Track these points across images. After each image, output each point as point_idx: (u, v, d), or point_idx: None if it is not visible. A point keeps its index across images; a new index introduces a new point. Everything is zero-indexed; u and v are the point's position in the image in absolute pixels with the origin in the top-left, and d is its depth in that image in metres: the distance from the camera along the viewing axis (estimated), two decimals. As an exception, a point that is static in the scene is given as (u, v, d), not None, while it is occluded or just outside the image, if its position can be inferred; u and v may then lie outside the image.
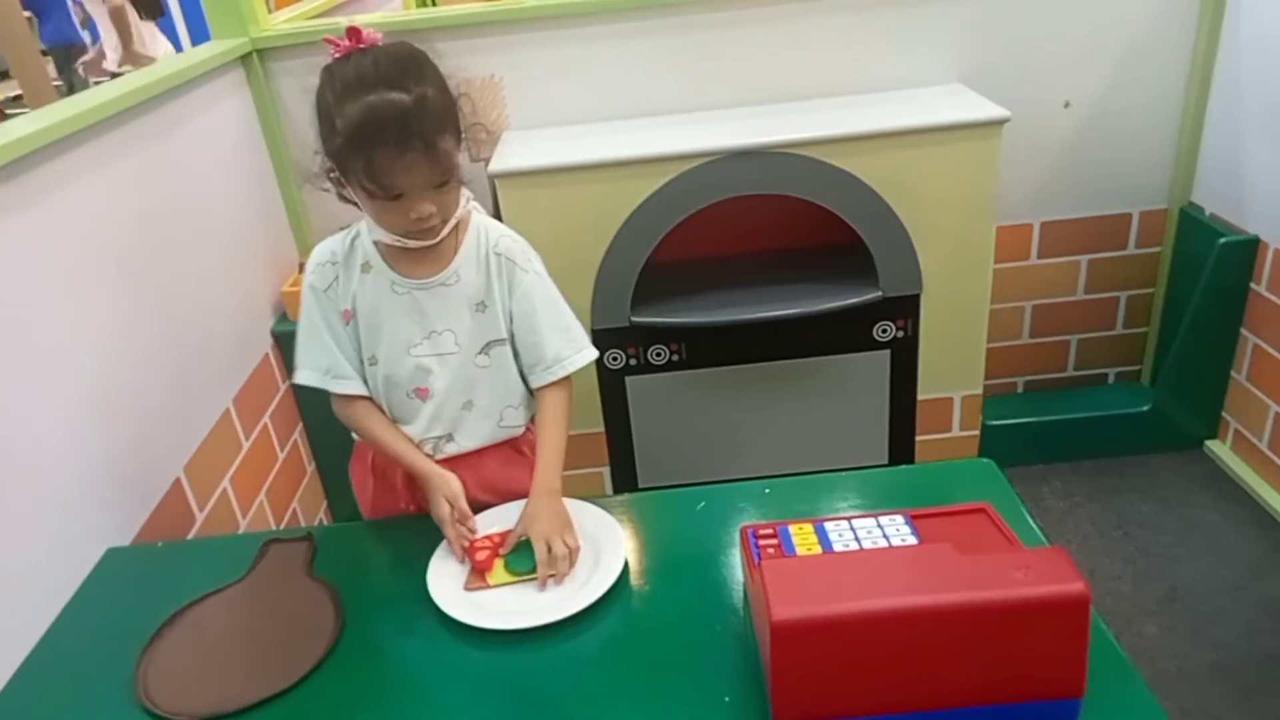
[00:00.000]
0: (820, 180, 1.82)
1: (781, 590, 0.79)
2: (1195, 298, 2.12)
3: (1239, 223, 2.07)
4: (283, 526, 1.87)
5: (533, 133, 2.06)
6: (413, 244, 1.11)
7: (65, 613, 1.11)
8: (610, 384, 2.01)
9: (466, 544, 1.10)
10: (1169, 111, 2.13)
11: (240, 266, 1.87)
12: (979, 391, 2.07)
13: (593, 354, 1.23)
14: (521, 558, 1.09)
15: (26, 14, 4.52)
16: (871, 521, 0.96)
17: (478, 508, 1.17)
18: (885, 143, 1.81)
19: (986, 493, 1.08)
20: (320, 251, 1.18)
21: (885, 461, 2.11)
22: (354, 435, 1.29)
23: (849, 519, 0.97)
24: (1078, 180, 2.18)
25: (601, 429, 2.06)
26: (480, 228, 1.19)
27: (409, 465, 1.19)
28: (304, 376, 1.19)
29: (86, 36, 4.88)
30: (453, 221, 1.12)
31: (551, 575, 1.06)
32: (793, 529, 0.95)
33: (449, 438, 1.22)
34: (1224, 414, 2.24)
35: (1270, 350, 2.05)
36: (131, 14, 4.34)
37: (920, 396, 2.06)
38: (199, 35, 4.62)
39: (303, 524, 1.97)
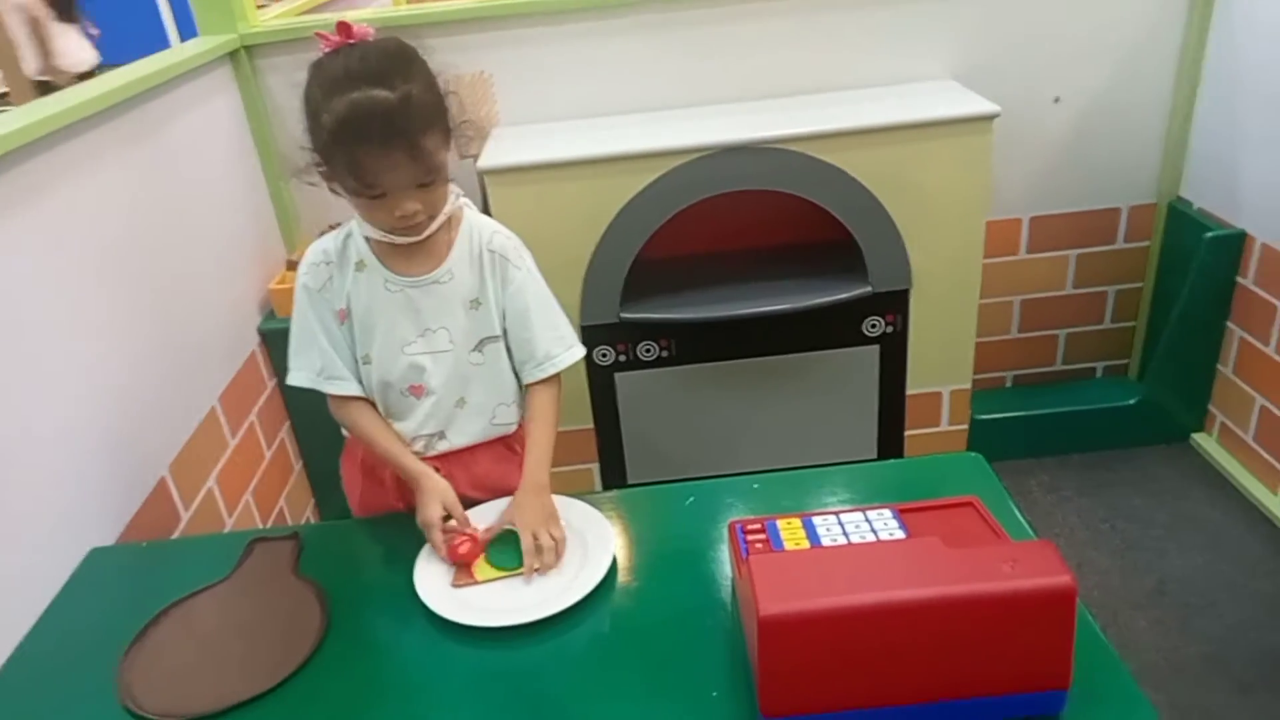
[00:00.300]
0: (810, 176, 1.82)
1: (769, 585, 0.79)
2: (1183, 292, 2.13)
3: (1226, 217, 2.08)
4: (269, 525, 1.86)
5: (522, 129, 2.05)
6: (400, 239, 1.11)
7: (48, 613, 1.10)
8: (599, 380, 2.01)
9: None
10: (1158, 107, 2.14)
11: (228, 264, 1.86)
12: (968, 386, 2.08)
13: (581, 352, 1.24)
14: (507, 554, 1.08)
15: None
16: (859, 516, 0.96)
17: (468, 504, 1.17)
18: (875, 138, 1.81)
19: (975, 487, 1.08)
20: (314, 251, 1.18)
21: (874, 456, 2.12)
22: (344, 432, 1.28)
23: (837, 514, 0.96)
24: (1067, 175, 2.19)
25: (591, 425, 2.06)
26: (473, 225, 1.18)
27: (402, 468, 1.18)
28: (297, 378, 1.19)
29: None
30: (441, 218, 1.12)
31: (537, 568, 1.06)
32: (780, 524, 0.95)
33: (441, 435, 1.21)
34: (1211, 407, 2.25)
35: (1256, 344, 2.06)
36: (51, 25, 4.28)
37: (909, 391, 2.06)
38: (187, 31, 4.58)
39: (290, 523, 1.96)
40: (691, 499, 1.18)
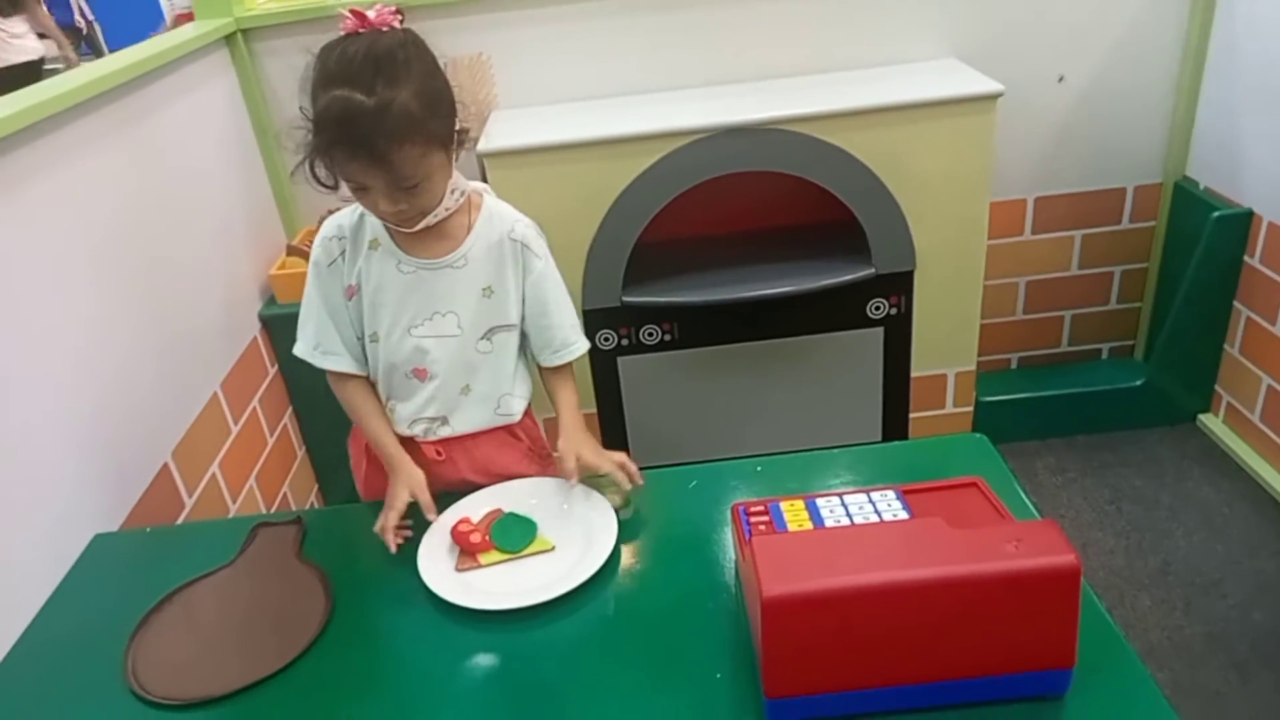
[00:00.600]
0: (813, 157, 1.80)
1: (772, 566, 0.78)
2: (1189, 272, 2.11)
3: (1233, 196, 2.07)
4: (273, 510, 1.86)
5: (521, 111, 2.04)
6: (397, 229, 1.11)
7: (53, 599, 1.11)
8: (602, 364, 2.00)
9: (399, 537, 1.10)
10: (1163, 85, 2.12)
11: (227, 250, 1.86)
12: (973, 368, 2.07)
13: (586, 345, 1.26)
14: (511, 537, 1.08)
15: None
16: (863, 497, 0.95)
17: (469, 489, 1.17)
18: (879, 118, 1.79)
19: (979, 468, 1.08)
20: (328, 226, 1.17)
21: (879, 439, 2.11)
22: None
23: (840, 495, 0.96)
24: (1072, 155, 2.17)
25: (594, 409, 2.05)
26: (493, 211, 1.18)
27: (381, 449, 1.20)
28: (298, 349, 1.20)
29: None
30: (437, 213, 1.10)
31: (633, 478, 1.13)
32: (784, 505, 0.95)
33: (444, 420, 1.21)
34: (1217, 388, 2.23)
35: (1263, 323, 2.04)
36: None
37: (914, 373, 2.05)
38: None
39: (294, 508, 1.96)
40: (695, 482, 1.17)
